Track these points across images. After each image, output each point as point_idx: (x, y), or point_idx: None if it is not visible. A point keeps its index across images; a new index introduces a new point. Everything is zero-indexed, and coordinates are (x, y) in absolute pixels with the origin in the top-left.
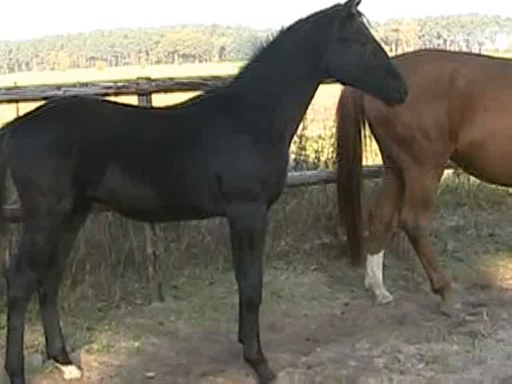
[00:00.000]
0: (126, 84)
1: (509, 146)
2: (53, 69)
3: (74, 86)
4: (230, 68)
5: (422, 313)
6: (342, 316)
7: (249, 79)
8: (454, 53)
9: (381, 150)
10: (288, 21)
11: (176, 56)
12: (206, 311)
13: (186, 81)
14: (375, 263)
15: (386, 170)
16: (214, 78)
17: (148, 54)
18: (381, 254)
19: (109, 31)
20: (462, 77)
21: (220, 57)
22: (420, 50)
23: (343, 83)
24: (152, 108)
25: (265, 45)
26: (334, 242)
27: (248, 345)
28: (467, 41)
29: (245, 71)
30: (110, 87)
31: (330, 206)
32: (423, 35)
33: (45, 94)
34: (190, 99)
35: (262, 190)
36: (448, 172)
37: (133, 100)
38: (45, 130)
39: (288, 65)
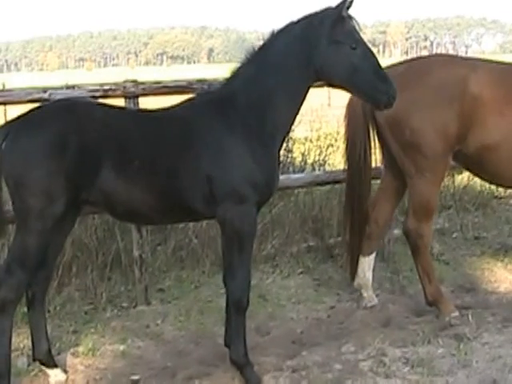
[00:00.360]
0: (113, 87)
1: None
2: (41, 69)
3: (61, 88)
4: (217, 70)
5: (408, 316)
6: (328, 319)
7: (241, 82)
8: (466, 58)
9: (383, 153)
10: (275, 22)
11: (165, 57)
12: (192, 314)
13: (172, 84)
14: (367, 265)
15: (386, 172)
16: (201, 81)
17: (137, 55)
18: (373, 255)
19: (98, 32)
20: (474, 80)
21: (208, 58)
22: (432, 55)
23: (333, 86)
24: (146, 110)
25: (256, 47)
26: (320, 245)
27: (234, 348)
28: (454, 43)
29: (237, 74)
30: (96, 90)
31: (316, 209)
32: (410, 37)
33: (31, 97)
34: (183, 101)
35: (252, 192)
36: None
37: (120, 103)
38: (39, 132)
39: (279, 67)
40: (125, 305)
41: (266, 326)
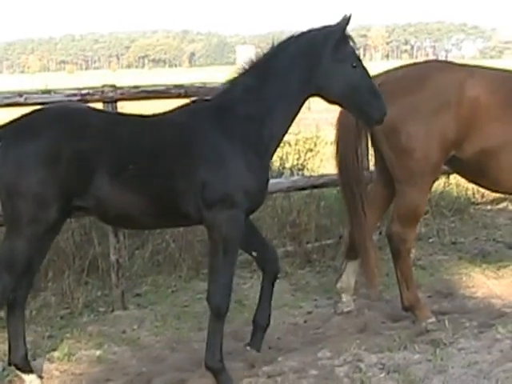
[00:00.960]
0: (91, 91)
1: None
2: (23, 72)
3: (36, 93)
4: (199, 73)
5: (384, 321)
6: (305, 324)
7: (240, 91)
8: (462, 64)
9: (376, 158)
10: (256, 26)
11: (146, 61)
12: (168, 320)
13: (151, 89)
14: (351, 269)
15: (377, 179)
16: (178, 86)
17: (118, 58)
18: (358, 260)
19: (80, 35)
20: (471, 86)
21: (190, 62)
22: (428, 61)
23: (328, 101)
24: (143, 116)
25: (256, 59)
26: (298, 250)
27: (210, 353)
28: (434, 47)
29: (236, 83)
30: (74, 95)
31: (294, 214)
32: (391, 41)
33: (7, 101)
34: (180, 107)
35: (244, 199)
36: None
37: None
38: (32, 137)
39: (280, 80)
40: (101, 310)
41: (243, 331)
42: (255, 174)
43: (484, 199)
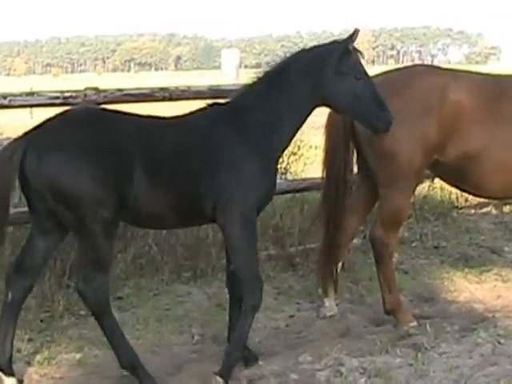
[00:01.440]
0: (74, 94)
1: (506, 158)
2: (8, 74)
3: (20, 95)
4: (185, 77)
5: (367, 325)
6: (287, 328)
7: (253, 98)
8: (445, 68)
9: (359, 164)
10: (243, 30)
11: (132, 64)
12: (149, 323)
13: (134, 92)
14: (332, 274)
15: (360, 184)
16: (163, 89)
17: (104, 61)
18: (339, 265)
19: (66, 39)
20: (453, 89)
21: (176, 66)
22: (412, 65)
23: (336, 111)
24: (165, 118)
25: (268, 69)
26: (280, 253)
27: (234, 346)
28: (420, 52)
29: (249, 90)
30: (56, 97)
31: (277, 218)
32: (377, 46)
33: None
34: (197, 111)
35: (256, 201)
36: None
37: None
38: (75, 139)
39: (289, 90)
40: (82, 313)
41: (224, 335)
42: (266, 177)
43: (468, 203)
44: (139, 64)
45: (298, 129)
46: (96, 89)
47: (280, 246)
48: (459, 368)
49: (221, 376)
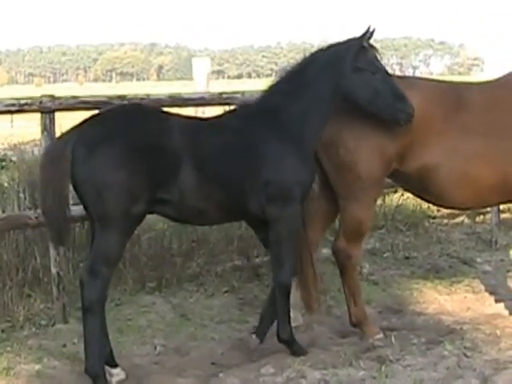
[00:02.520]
0: (29, 102)
1: (464, 168)
2: None
3: None
4: (167, 87)
5: (332, 337)
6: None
7: (280, 98)
8: (402, 76)
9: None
10: (224, 40)
11: (114, 74)
12: (110, 333)
13: (90, 99)
14: (295, 285)
15: (320, 194)
16: (121, 97)
17: (86, 71)
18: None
19: (47, 48)
20: (412, 99)
21: (158, 76)
22: None
23: (358, 106)
24: (203, 118)
25: (290, 69)
26: (246, 264)
27: (283, 328)
28: (401, 64)
29: (275, 90)
30: (12, 104)
31: (242, 228)
32: None
33: None
34: (228, 112)
35: (300, 192)
36: None
37: (36, 118)
38: (120, 135)
39: (311, 88)
40: (43, 323)
41: (187, 346)
42: (306, 170)
43: (440, 213)
44: (121, 74)
45: (325, 123)
46: (51, 96)
47: (245, 256)
48: (423, 381)
49: (297, 355)
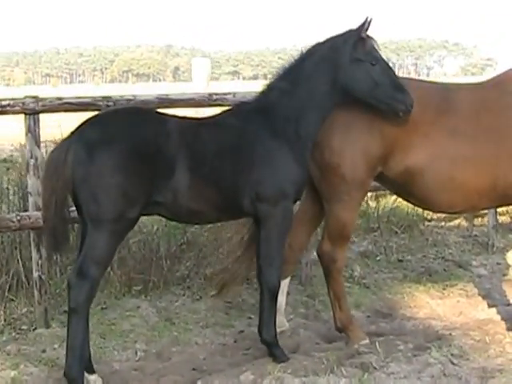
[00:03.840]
0: (12, 103)
1: (451, 171)
2: (8, 85)
3: None
4: (182, 88)
5: (318, 342)
6: (235, 344)
7: (277, 95)
8: None
9: None
10: (241, 45)
11: (130, 75)
12: (92, 338)
13: (74, 101)
14: (280, 289)
15: (305, 197)
16: (106, 98)
17: (102, 72)
18: (287, 280)
19: (64, 49)
20: None
21: (174, 77)
22: None
23: (357, 100)
24: (199, 118)
25: (287, 65)
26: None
27: (266, 329)
28: (416, 65)
29: (272, 87)
30: None
31: (231, 231)
32: None
33: None
34: (226, 111)
35: (293, 190)
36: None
37: (19, 120)
38: (119, 138)
39: (309, 83)
40: (24, 327)
41: (169, 351)
42: (300, 168)
43: (437, 215)
44: (137, 75)
45: (325, 117)
46: (35, 97)
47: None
48: None
49: (278, 360)
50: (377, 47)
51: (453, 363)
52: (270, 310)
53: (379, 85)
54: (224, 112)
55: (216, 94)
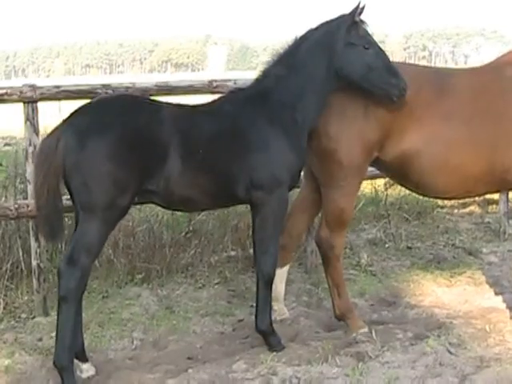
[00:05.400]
0: (9, 91)
1: (446, 155)
2: (48, 76)
3: None
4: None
5: (318, 331)
6: (233, 333)
7: (272, 81)
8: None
9: None
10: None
11: (169, 65)
12: (90, 327)
13: (72, 88)
14: (279, 277)
15: (304, 184)
16: (105, 86)
17: (142, 62)
18: (286, 268)
19: (104, 40)
20: None
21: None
22: None
23: (352, 84)
24: (196, 105)
25: (282, 51)
26: (241, 254)
27: (261, 318)
28: (453, 52)
29: (267, 73)
30: None
31: (237, 218)
32: (408, 47)
33: None
34: (221, 98)
35: (288, 177)
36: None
37: (18, 108)
38: (109, 126)
39: (305, 69)
40: (23, 316)
41: (166, 339)
42: (295, 154)
43: (450, 202)
44: (176, 65)
45: (322, 106)
46: (32, 85)
47: (240, 247)
48: (399, 379)
49: (272, 349)
50: (370, 32)
51: (450, 352)
52: (264, 299)
53: (373, 68)
54: (219, 99)
55: (216, 81)
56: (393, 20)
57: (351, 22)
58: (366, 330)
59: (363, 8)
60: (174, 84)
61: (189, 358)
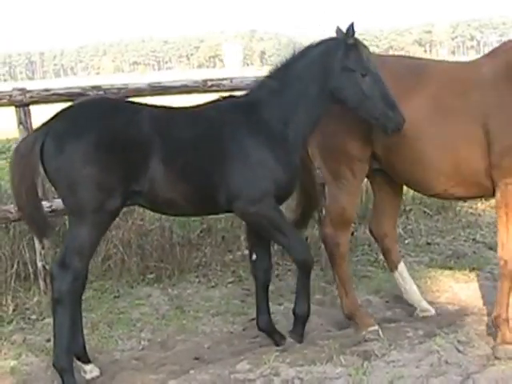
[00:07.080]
0: None
1: (419, 151)
2: (98, 73)
3: None
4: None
5: (330, 329)
6: (243, 333)
7: (265, 93)
8: (383, 55)
9: None
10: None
11: (217, 60)
12: (99, 327)
13: (63, 91)
14: (401, 278)
15: (372, 187)
16: (95, 87)
17: (188, 58)
18: (400, 266)
19: (149, 37)
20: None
21: (261, 61)
22: None
23: (347, 108)
24: (180, 108)
25: (279, 64)
26: None
27: (299, 304)
28: (500, 41)
29: (261, 85)
30: None
31: None
32: (456, 37)
33: None
34: (211, 102)
35: (271, 190)
36: None
37: (9, 112)
38: (89, 129)
39: (299, 86)
40: (33, 317)
41: (174, 339)
42: (282, 168)
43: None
44: (223, 60)
45: (315, 123)
46: (22, 89)
47: None
48: (402, 379)
49: (294, 335)
50: (370, 56)
51: (458, 350)
52: (305, 286)
53: (368, 98)
54: (208, 103)
55: (211, 80)
56: (438, 9)
57: (348, 46)
58: (375, 327)
59: (353, 28)
60: (168, 84)
61: (196, 359)
